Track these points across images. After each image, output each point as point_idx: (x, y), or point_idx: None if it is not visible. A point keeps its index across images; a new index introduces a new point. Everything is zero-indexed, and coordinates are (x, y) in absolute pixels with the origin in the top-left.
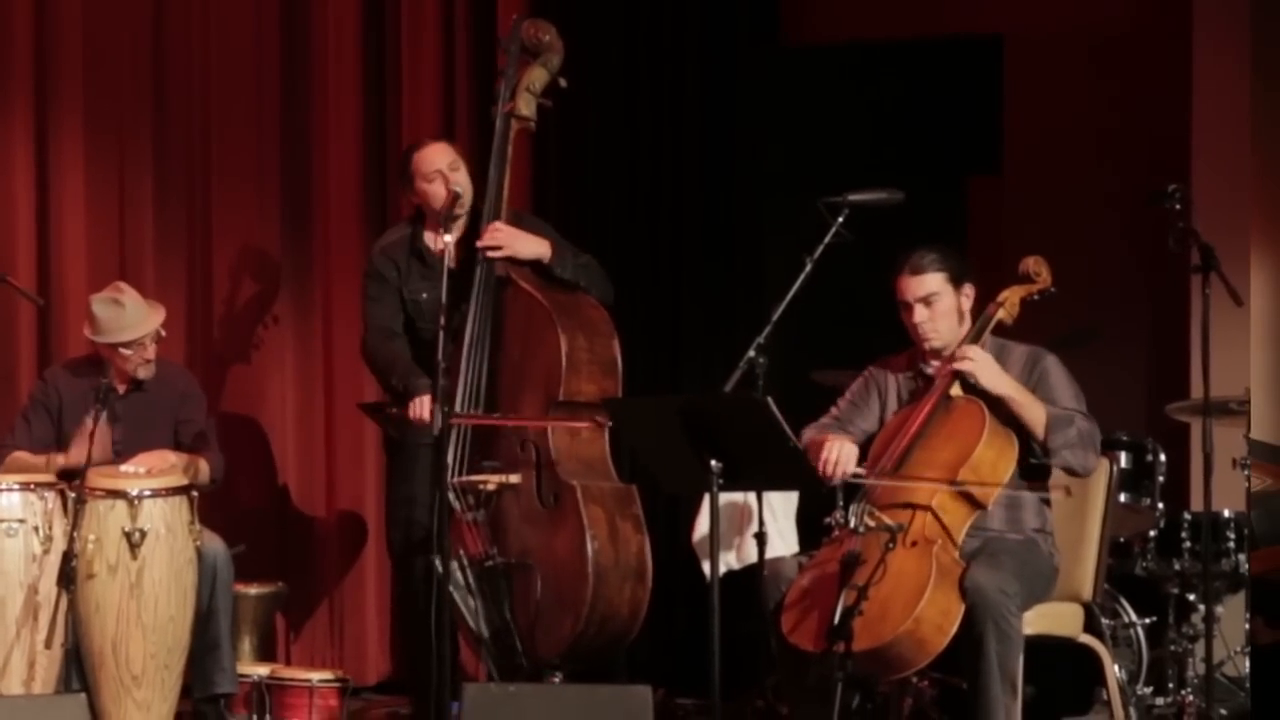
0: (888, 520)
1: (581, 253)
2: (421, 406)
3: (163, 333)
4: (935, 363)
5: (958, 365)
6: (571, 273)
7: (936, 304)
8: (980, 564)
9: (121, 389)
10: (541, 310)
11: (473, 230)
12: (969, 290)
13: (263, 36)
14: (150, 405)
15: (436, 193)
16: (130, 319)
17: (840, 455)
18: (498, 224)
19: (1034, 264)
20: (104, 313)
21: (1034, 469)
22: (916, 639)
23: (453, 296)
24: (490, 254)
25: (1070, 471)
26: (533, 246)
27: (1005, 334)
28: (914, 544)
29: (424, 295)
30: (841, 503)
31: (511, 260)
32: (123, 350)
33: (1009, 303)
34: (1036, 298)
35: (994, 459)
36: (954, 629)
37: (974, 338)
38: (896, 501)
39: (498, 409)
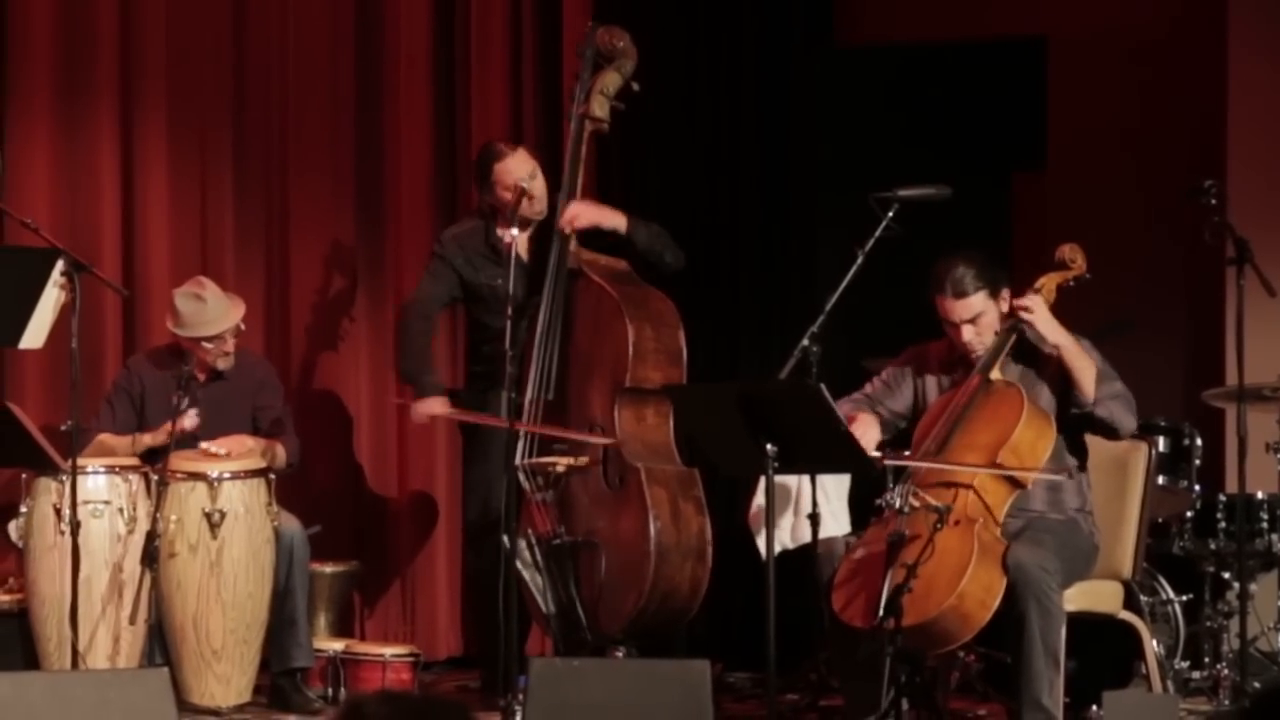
0: (933, 501)
1: (651, 222)
2: (426, 408)
3: (242, 327)
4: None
5: (1019, 310)
6: (647, 239)
7: (982, 320)
8: (1022, 542)
9: (202, 377)
10: (610, 301)
11: (544, 226)
12: (1005, 294)
13: (338, 39)
14: (229, 392)
15: (512, 202)
16: (211, 314)
17: (862, 439)
18: (576, 200)
19: (1069, 251)
20: (186, 307)
21: (1072, 419)
22: (961, 614)
23: (524, 288)
24: (574, 225)
25: (1107, 428)
26: (610, 217)
27: None
28: (957, 523)
29: (499, 281)
30: (892, 484)
31: (592, 230)
32: (204, 344)
33: (1045, 289)
34: (1072, 284)
35: (1033, 440)
36: (996, 604)
37: (1011, 327)
38: (940, 482)
39: (568, 395)
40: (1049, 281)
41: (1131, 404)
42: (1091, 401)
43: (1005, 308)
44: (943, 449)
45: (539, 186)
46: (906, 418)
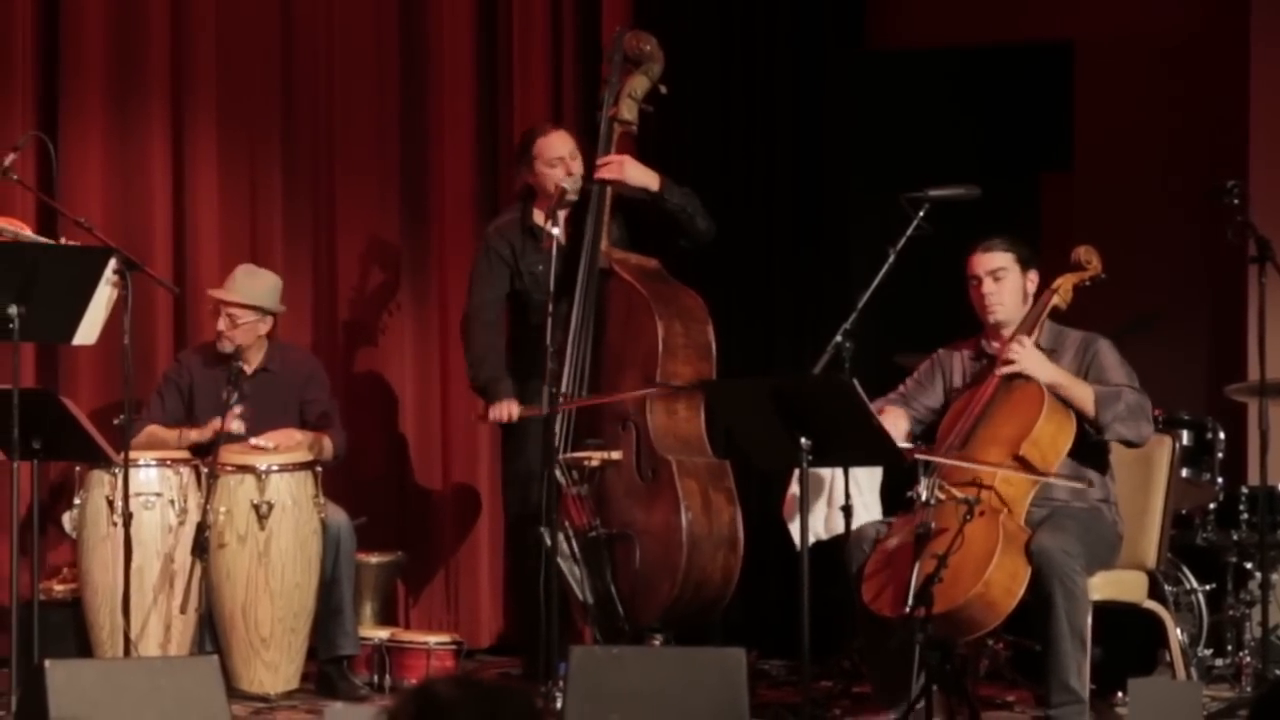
0: (959, 493)
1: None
2: (503, 411)
3: (261, 326)
4: (997, 344)
5: (1006, 370)
6: (680, 198)
7: (1004, 279)
8: (1045, 529)
9: (250, 371)
10: (640, 298)
11: (577, 217)
12: (1033, 276)
13: (383, 41)
14: (277, 386)
15: (556, 177)
16: (237, 283)
17: (892, 430)
18: (611, 154)
19: (1084, 252)
20: (233, 274)
21: (1093, 446)
22: (986, 601)
23: (562, 273)
24: (603, 173)
25: (1126, 443)
26: (643, 175)
27: (1061, 319)
28: (982, 513)
29: (539, 267)
30: (923, 477)
31: (621, 185)
32: (222, 310)
33: (1062, 289)
34: (1088, 284)
35: (1053, 433)
36: (1021, 591)
37: (1030, 323)
38: (964, 476)
39: (600, 391)
40: (1065, 282)
41: (1139, 412)
42: (1097, 429)
43: (1031, 289)
44: (966, 444)
45: (578, 166)
46: (939, 412)
